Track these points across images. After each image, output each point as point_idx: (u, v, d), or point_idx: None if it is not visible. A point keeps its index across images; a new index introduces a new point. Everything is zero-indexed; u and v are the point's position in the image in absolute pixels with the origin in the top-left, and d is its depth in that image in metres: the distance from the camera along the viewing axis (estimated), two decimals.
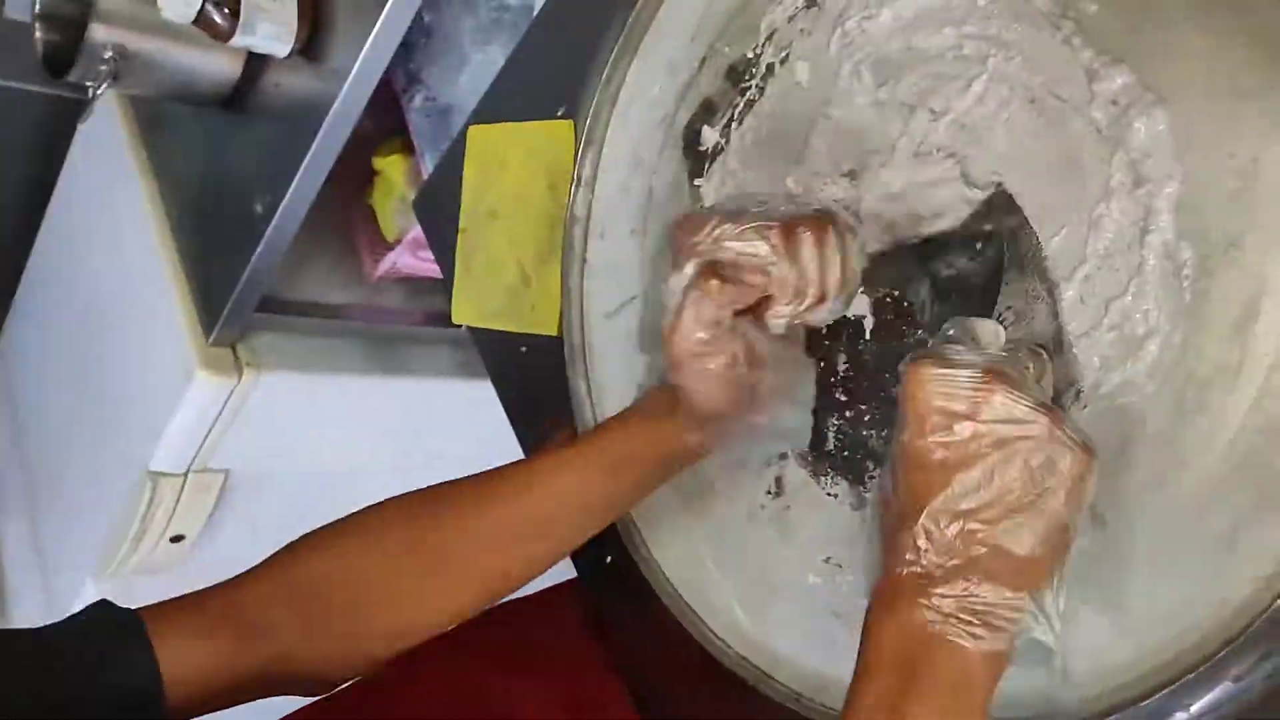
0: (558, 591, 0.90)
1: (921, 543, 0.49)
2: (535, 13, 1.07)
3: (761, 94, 0.74)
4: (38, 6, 1.27)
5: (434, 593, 0.62)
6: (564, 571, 0.85)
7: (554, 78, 0.92)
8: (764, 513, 0.72)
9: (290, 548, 0.61)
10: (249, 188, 1.29)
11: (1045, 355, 0.57)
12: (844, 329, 0.68)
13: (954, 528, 0.48)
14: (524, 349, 0.92)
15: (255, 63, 1.29)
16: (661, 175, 0.80)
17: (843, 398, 0.68)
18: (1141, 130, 0.55)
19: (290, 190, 1.23)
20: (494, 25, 1.35)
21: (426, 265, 1.48)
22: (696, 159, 0.78)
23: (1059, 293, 0.58)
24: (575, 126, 0.88)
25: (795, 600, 0.69)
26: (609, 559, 0.81)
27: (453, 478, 0.65)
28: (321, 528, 0.62)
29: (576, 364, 0.84)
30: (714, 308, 0.59)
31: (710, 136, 0.76)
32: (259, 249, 1.28)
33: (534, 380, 0.91)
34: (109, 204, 1.55)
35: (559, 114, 0.91)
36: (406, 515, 0.63)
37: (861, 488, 0.67)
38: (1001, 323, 0.60)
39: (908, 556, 0.49)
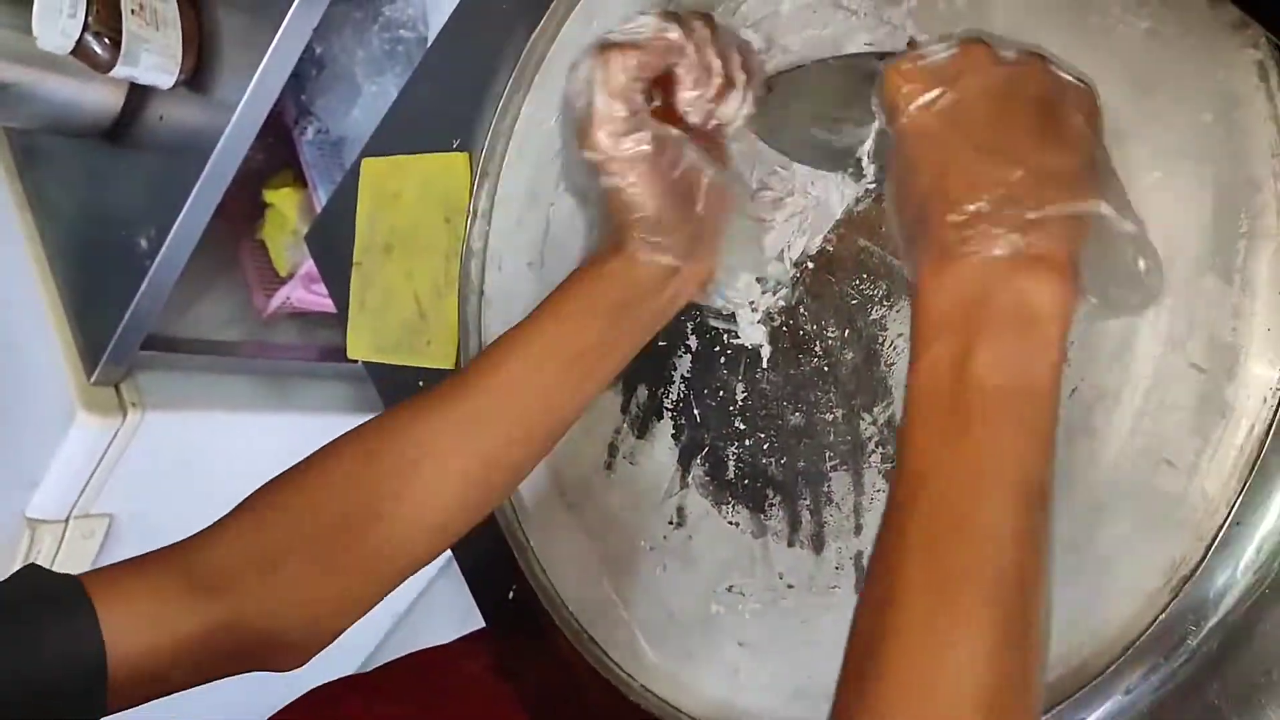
0: (470, 640, 0.89)
1: (956, 194, 0.43)
2: (429, 44, 1.06)
3: None
4: None
5: (411, 505, 0.55)
6: (477, 621, 0.84)
7: (448, 110, 0.91)
8: (666, 543, 0.72)
9: (247, 502, 0.55)
10: (133, 222, 1.25)
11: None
12: (742, 358, 0.69)
13: (984, 166, 0.43)
14: (421, 383, 0.91)
15: (138, 94, 1.25)
16: (559, 207, 0.80)
17: (741, 426, 0.69)
18: None
19: (176, 224, 1.20)
20: (387, 57, 1.33)
21: (320, 300, 1.45)
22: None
23: None
24: (470, 159, 0.87)
25: (698, 630, 0.69)
26: (511, 594, 0.80)
27: None
28: (278, 476, 0.55)
29: None
30: (623, 78, 0.53)
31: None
32: (144, 285, 1.24)
33: None
34: None
35: (454, 146, 0.90)
36: (361, 435, 0.56)
37: (762, 515, 0.67)
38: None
39: (948, 218, 0.43)
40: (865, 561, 0.62)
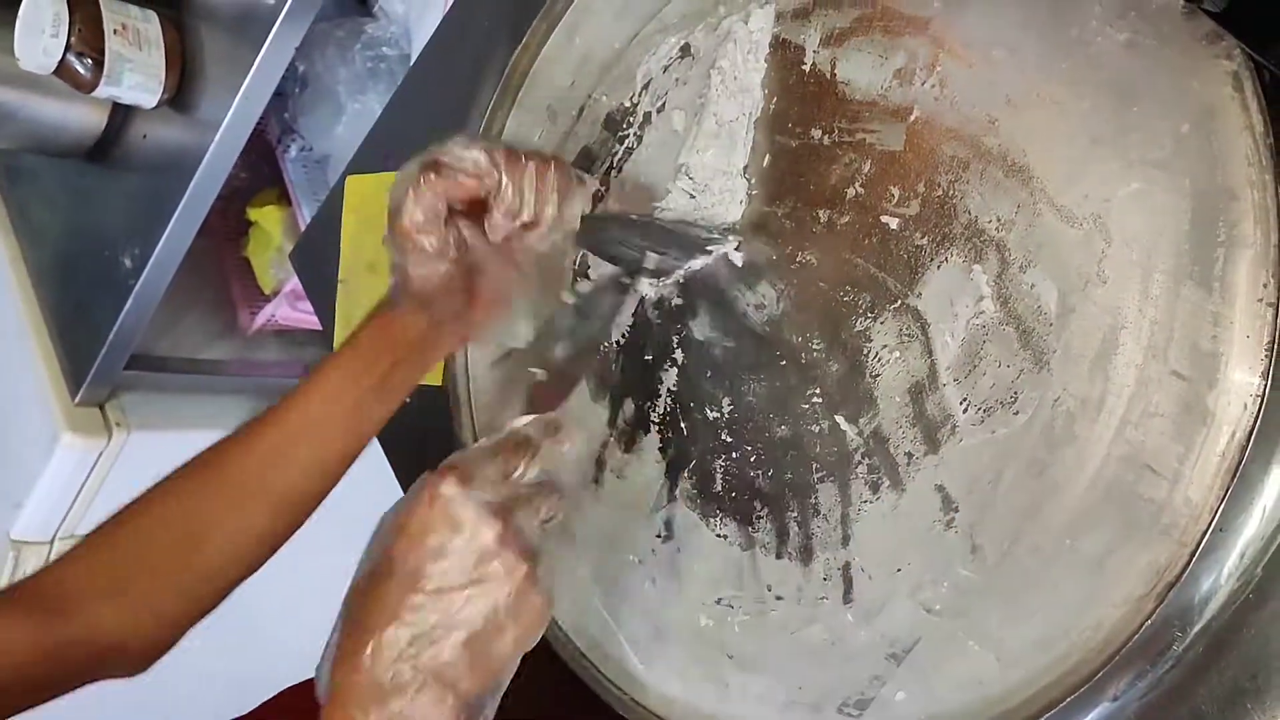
0: None
1: (366, 658, 0.47)
2: (412, 62, 1.07)
3: (639, 142, 0.75)
4: None
5: (232, 521, 0.64)
6: None
7: (432, 127, 0.91)
8: (654, 557, 0.72)
9: (96, 530, 0.62)
10: (116, 241, 1.25)
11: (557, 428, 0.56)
12: (728, 370, 0.69)
13: (400, 651, 0.47)
14: (408, 399, 0.90)
15: (121, 113, 1.25)
16: None
17: (728, 439, 0.69)
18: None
19: (160, 243, 1.20)
20: (370, 75, 1.34)
21: (305, 317, 1.45)
22: None
23: (930, 332, 0.60)
24: None
25: (688, 643, 0.69)
26: None
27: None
28: (125, 506, 0.63)
29: (461, 415, 0.83)
30: (431, 196, 0.61)
31: (589, 185, 0.76)
32: (128, 304, 1.24)
33: (417, 431, 0.89)
34: None
35: None
36: (192, 469, 0.65)
37: (750, 528, 0.67)
38: (868, 358, 0.62)
39: (357, 661, 0.47)
40: (853, 571, 0.63)
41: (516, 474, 0.52)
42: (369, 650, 0.46)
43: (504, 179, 0.61)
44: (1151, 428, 0.53)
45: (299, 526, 0.68)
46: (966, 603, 0.58)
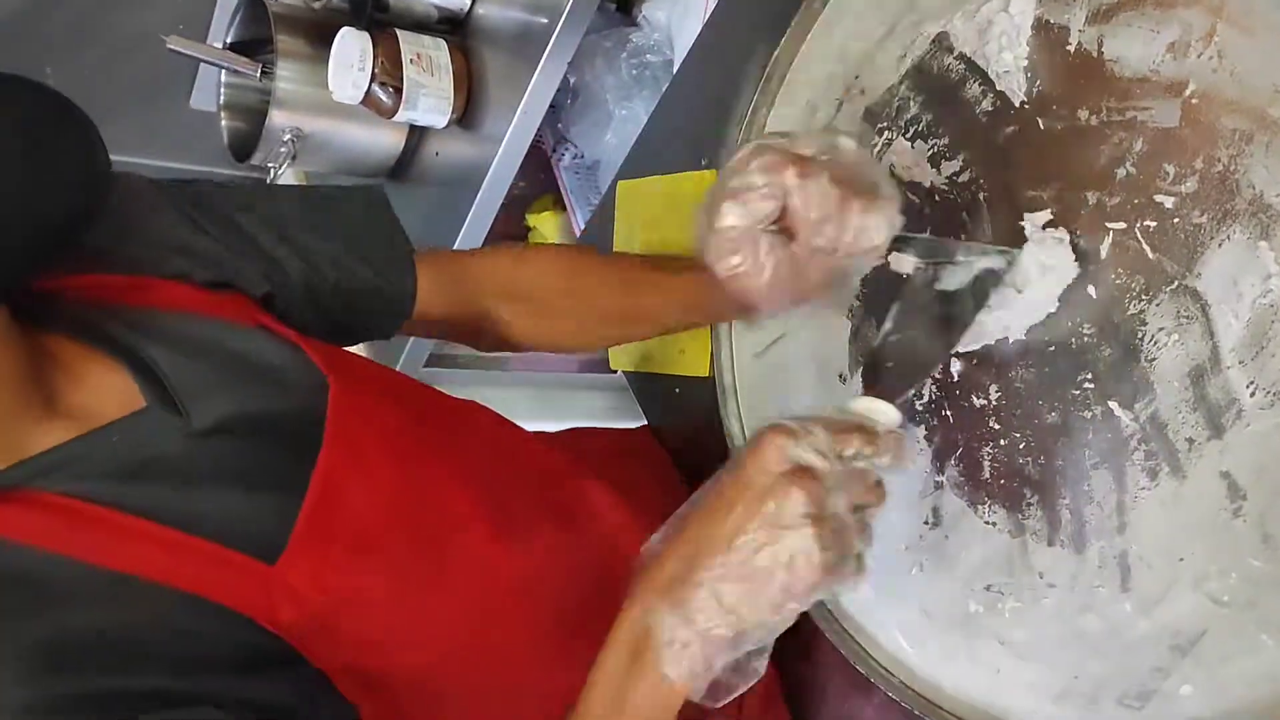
0: None
1: (675, 563, 0.54)
2: (675, 68, 1.11)
3: (901, 134, 0.76)
4: (222, 98, 1.39)
5: (585, 314, 0.82)
6: None
7: (696, 130, 0.95)
8: (922, 543, 0.73)
9: (508, 252, 0.85)
10: (416, 246, 1.37)
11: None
12: (994, 357, 0.69)
13: (706, 573, 0.53)
14: (677, 390, 0.95)
15: (417, 134, 1.38)
16: None
17: (996, 426, 0.69)
18: None
19: (454, 248, 1.30)
20: (635, 82, 1.40)
21: None
22: None
23: (1212, 313, 0.58)
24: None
25: (957, 628, 0.70)
26: None
27: None
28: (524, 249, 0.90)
29: (729, 403, 0.86)
30: (735, 218, 0.62)
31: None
32: None
33: (688, 420, 0.94)
34: None
35: (703, 164, 0.94)
36: (602, 260, 0.85)
37: (1020, 515, 0.67)
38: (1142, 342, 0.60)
39: (670, 562, 0.55)
40: (1131, 560, 0.61)
41: (848, 453, 0.54)
42: (678, 558, 0.54)
43: (797, 200, 0.61)
44: None
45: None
46: (1258, 594, 0.56)
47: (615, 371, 1.09)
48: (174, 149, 1.76)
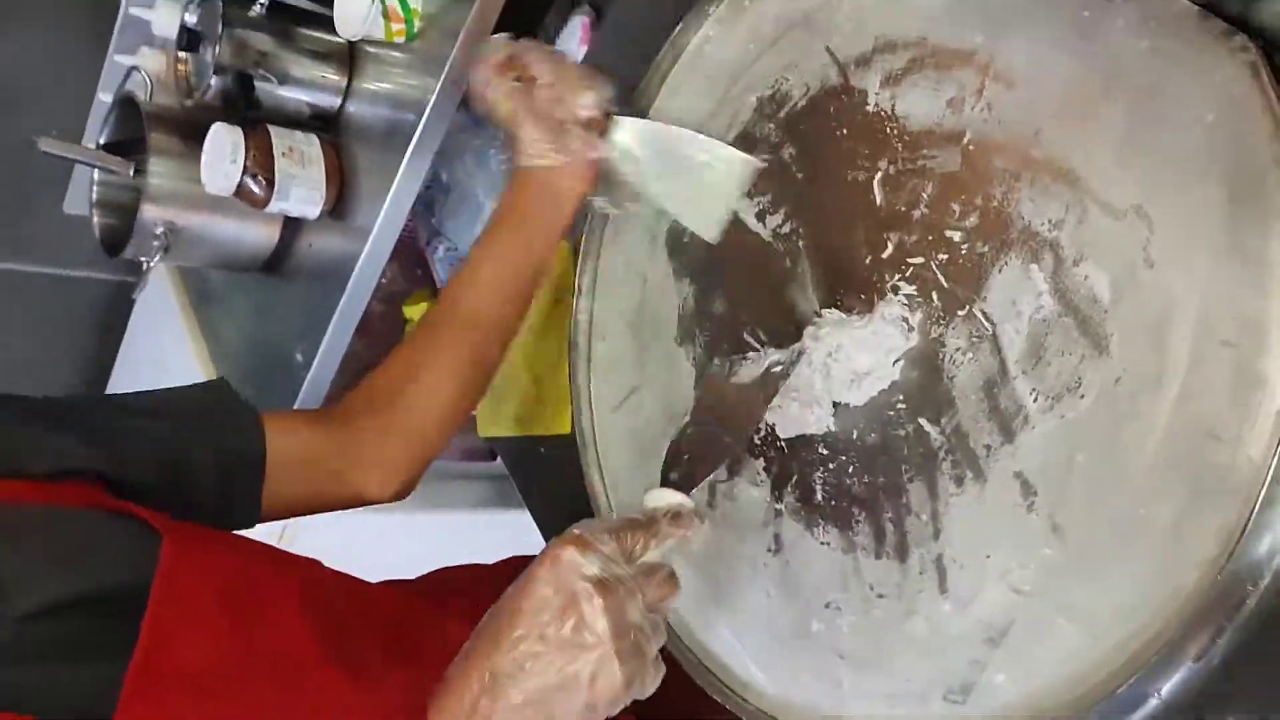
0: None
1: (455, 680, 0.56)
2: None
3: None
4: (95, 195, 1.41)
5: (443, 364, 0.84)
6: None
7: None
8: (767, 569, 0.77)
9: (377, 368, 0.85)
10: (290, 340, 1.40)
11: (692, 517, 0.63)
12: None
13: (481, 684, 0.55)
14: (542, 449, 0.99)
15: (291, 228, 1.41)
16: (652, 277, 0.89)
17: (825, 451, 0.74)
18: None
19: (325, 339, 1.33)
20: (505, 177, 1.47)
21: None
22: (681, 252, 0.86)
23: (998, 331, 0.65)
24: (574, 246, 0.97)
25: (802, 648, 0.74)
26: None
27: None
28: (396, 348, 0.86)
29: (589, 454, 0.91)
30: (485, 66, 0.86)
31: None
32: (299, 396, 1.37)
33: (552, 477, 0.97)
34: (164, 369, 1.66)
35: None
36: (417, 331, 0.86)
37: (850, 532, 0.72)
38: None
39: (449, 679, 0.57)
40: (946, 562, 0.67)
41: (637, 552, 0.58)
42: (458, 673, 0.56)
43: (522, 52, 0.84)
44: (1210, 396, 0.56)
45: (484, 383, 0.86)
46: (1053, 581, 0.62)
47: (495, 458, 1.12)
48: (46, 253, 1.77)
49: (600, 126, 0.84)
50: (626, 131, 0.84)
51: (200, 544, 0.64)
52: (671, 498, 0.64)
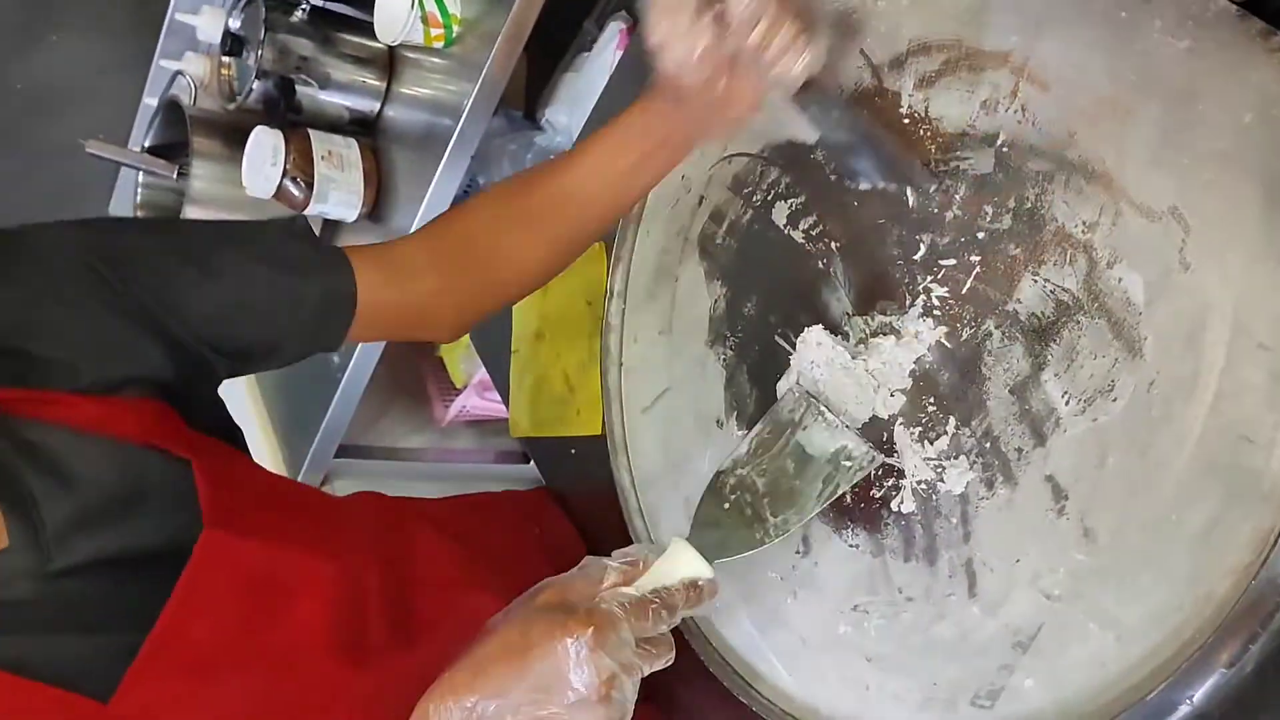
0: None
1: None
2: None
3: (767, 205, 0.83)
4: (139, 197, 1.44)
5: (520, 242, 0.80)
6: None
7: None
8: (795, 572, 0.77)
9: (440, 218, 0.82)
10: None
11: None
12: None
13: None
14: (573, 450, 0.99)
15: (328, 231, 1.43)
16: (683, 279, 0.89)
17: None
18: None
19: (360, 344, 1.35)
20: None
21: (492, 406, 1.58)
22: (713, 254, 0.86)
23: (1031, 332, 0.64)
24: (606, 247, 0.97)
25: (829, 650, 0.73)
26: None
27: None
28: (459, 205, 0.83)
29: (619, 457, 0.91)
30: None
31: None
32: (335, 398, 1.39)
33: (583, 478, 0.98)
34: None
35: None
36: (508, 188, 0.81)
37: (879, 535, 0.72)
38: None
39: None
40: (975, 566, 0.66)
41: (648, 630, 0.59)
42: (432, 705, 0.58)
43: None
44: (1244, 400, 0.56)
45: (563, 266, 0.83)
46: (1083, 586, 0.61)
47: (528, 461, 1.13)
48: None
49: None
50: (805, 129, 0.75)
51: (238, 528, 0.64)
52: (695, 565, 0.65)
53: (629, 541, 0.88)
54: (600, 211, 0.80)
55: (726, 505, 0.70)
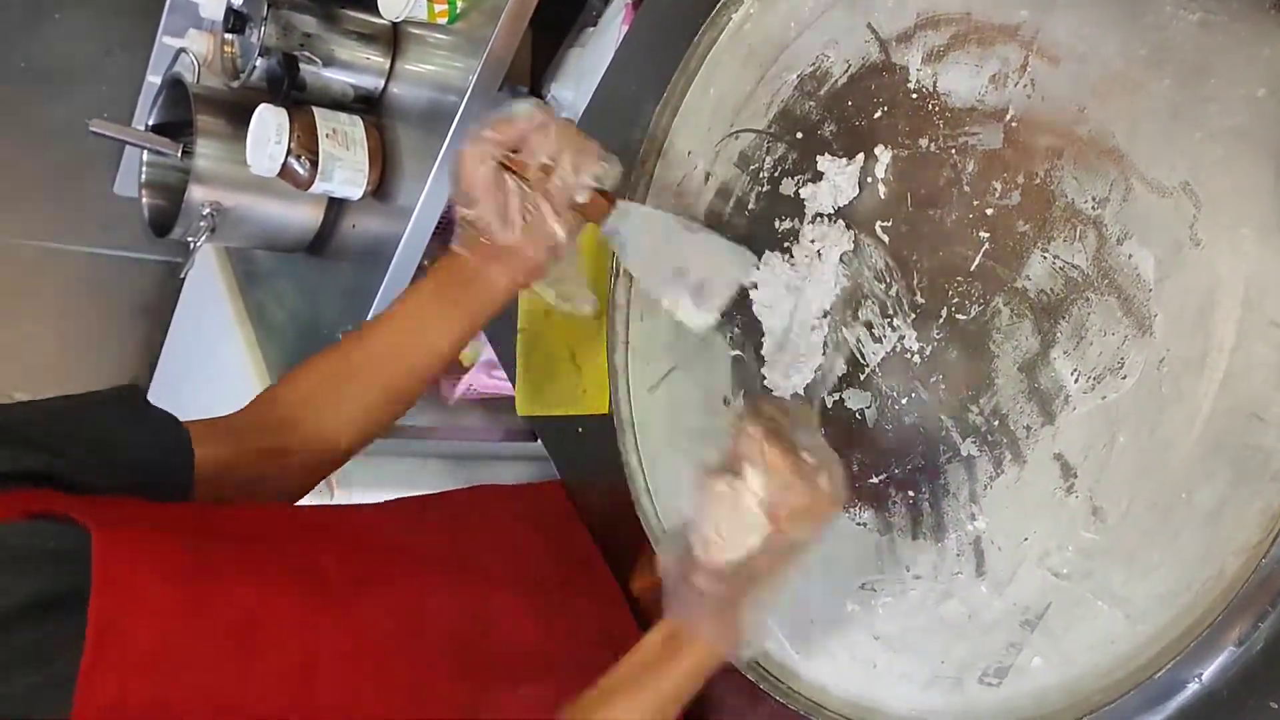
0: None
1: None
2: None
3: (770, 176, 0.82)
4: (143, 176, 1.43)
5: (349, 401, 0.84)
6: None
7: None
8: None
9: (279, 382, 0.85)
10: (334, 319, 1.41)
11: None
12: (860, 374, 0.74)
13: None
14: (580, 429, 0.99)
15: (335, 209, 1.43)
16: None
17: (863, 432, 0.74)
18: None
19: (368, 318, 1.34)
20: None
21: (499, 384, 1.57)
22: (719, 233, 0.86)
23: (1038, 310, 0.64)
24: None
25: (837, 629, 0.73)
26: None
27: None
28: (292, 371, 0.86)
29: (626, 436, 0.91)
30: (479, 149, 0.75)
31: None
32: None
33: (590, 457, 0.98)
34: (212, 349, 1.69)
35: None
36: (331, 352, 0.85)
37: (886, 513, 0.72)
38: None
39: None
40: (984, 545, 0.66)
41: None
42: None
43: (536, 130, 0.75)
44: (1255, 378, 0.55)
45: (396, 415, 0.88)
46: (1092, 564, 0.61)
47: (535, 439, 1.13)
48: (96, 234, 1.80)
49: (601, 207, 0.79)
50: (628, 218, 0.81)
51: (137, 531, 0.64)
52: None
53: (637, 523, 0.88)
54: (423, 359, 0.85)
55: None
